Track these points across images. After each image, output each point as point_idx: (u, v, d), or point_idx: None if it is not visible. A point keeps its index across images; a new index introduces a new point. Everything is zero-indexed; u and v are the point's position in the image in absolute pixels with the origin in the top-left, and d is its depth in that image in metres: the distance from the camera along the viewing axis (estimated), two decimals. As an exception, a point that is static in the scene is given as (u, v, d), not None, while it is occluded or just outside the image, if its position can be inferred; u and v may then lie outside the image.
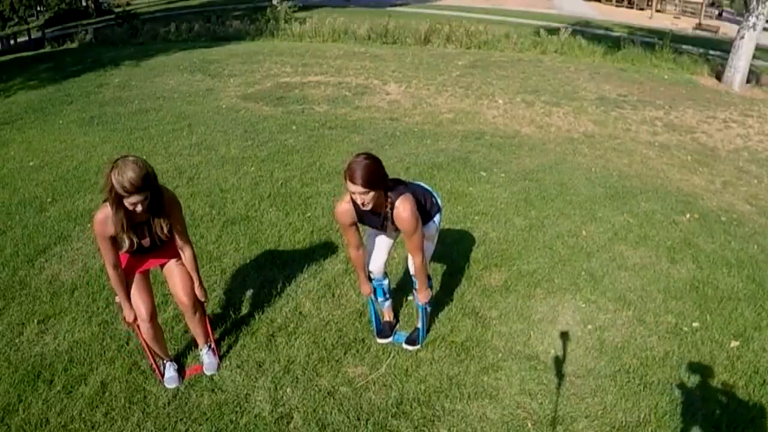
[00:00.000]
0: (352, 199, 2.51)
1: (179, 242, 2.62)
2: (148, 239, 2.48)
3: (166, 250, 2.64)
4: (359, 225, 2.76)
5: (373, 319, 3.19)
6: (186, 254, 2.67)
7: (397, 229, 2.70)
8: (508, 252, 4.15)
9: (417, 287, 2.94)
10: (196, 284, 2.74)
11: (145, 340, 2.71)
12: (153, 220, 2.43)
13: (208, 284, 3.63)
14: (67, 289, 3.58)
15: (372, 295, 3.09)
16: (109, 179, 2.16)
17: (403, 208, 2.55)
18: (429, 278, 3.03)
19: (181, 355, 3.05)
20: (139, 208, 2.24)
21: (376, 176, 2.41)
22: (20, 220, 4.49)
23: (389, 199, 2.55)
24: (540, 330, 3.33)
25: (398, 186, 2.62)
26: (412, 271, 2.95)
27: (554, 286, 3.77)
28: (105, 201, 2.30)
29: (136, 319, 2.61)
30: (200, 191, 5.01)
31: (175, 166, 5.55)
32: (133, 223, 2.38)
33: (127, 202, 2.20)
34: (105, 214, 2.30)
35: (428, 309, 3.13)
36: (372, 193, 2.43)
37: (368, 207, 2.48)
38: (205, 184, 5.18)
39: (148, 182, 2.19)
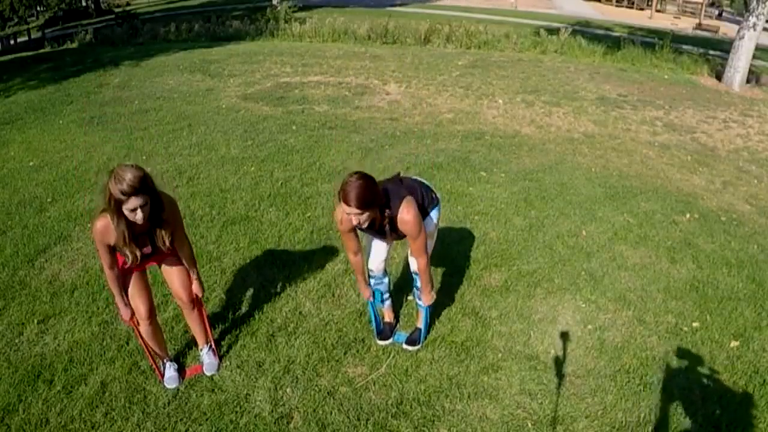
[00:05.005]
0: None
1: (178, 243, 2.60)
2: (149, 248, 2.44)
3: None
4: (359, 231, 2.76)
5: (374, 320, 3.19)
6: (184, 252, 2.65)
7: (398, 236, 2.71)
8: (508, 252, 4.15)
9: (421, 288, 2.94)
10: (194, 279, 2.73)
11: (144, 340, 2.71)
12: (155, 231, 2.39)
13: (208, 284, 3.63)
14: (67, 289, 3.58)
15: (371, 299, 3.09)
16: (107, 188, 2.12)
17: (406, 212, 2.56)
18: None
19: (181, 355, 3.05)
20: (139, 214, 2.17)
21: (369, 196, 2.42)
22: (20, 220, 4.49)
23: (387, 213, 2.57)
24: (540, 330, 3.33)
25: (395, 190, 2.62)
26: (413, 268, 2.95)
27: (554, 286, 3.77)
28: (103, 210, 2.24)
29: (133, 316, 2.60)
30: (200, 191, 5.01)
31: (175, 166, 5.55)
32: (134, 234, 2.33)
33: (126, 208, 2.15)
34: (104, 223, 2.25)
35: (429, 309, 3.13)
36: (367, 214, 2.45)
37: (364, 226, 2.52)
38: (205, 184, 5.18)
39: (145, 185, 2.15)
